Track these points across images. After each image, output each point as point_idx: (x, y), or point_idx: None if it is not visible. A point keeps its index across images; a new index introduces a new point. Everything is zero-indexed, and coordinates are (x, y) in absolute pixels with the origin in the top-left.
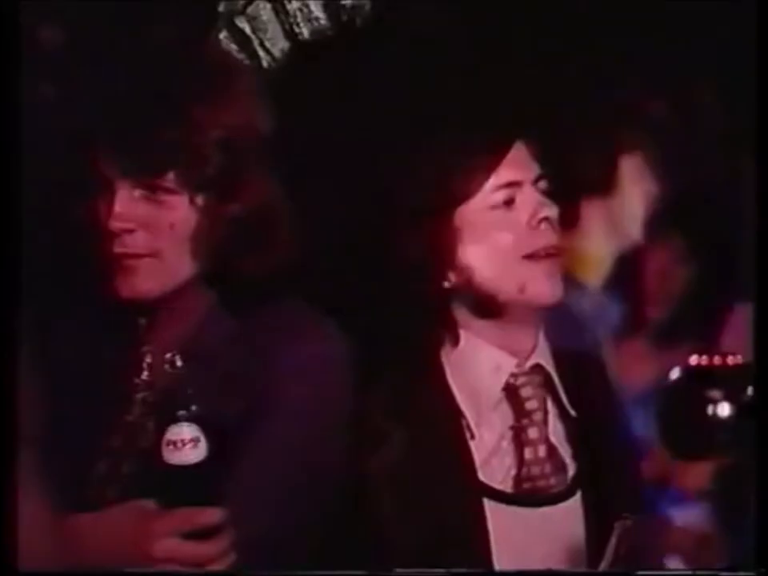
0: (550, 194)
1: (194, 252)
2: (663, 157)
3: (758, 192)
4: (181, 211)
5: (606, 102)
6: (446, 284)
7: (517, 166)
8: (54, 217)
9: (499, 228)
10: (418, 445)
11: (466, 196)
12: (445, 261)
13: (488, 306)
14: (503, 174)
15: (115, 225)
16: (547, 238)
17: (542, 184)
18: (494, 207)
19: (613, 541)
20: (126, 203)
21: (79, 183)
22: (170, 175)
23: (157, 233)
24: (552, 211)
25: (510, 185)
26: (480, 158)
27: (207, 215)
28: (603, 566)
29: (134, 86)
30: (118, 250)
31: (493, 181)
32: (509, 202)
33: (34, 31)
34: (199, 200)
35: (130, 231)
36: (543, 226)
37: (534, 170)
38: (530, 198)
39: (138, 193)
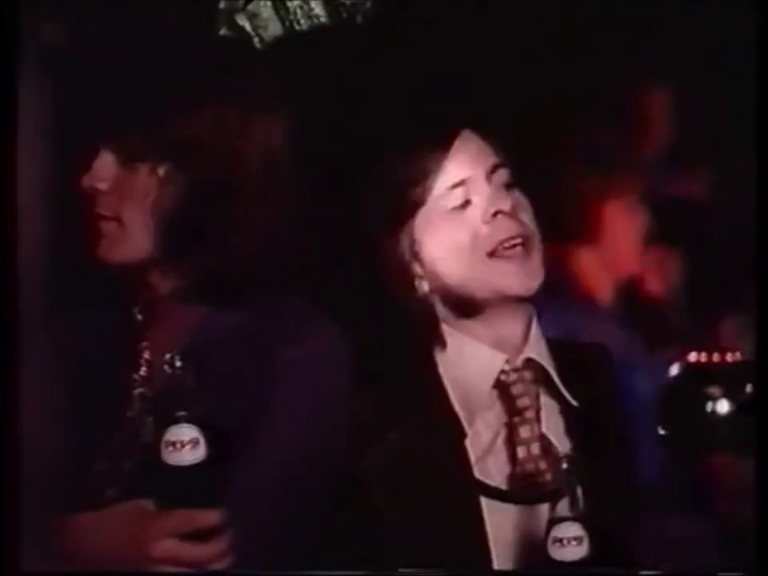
0: (513, 183)
1: (157, 223)
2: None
3: (758, 191)
4: (148, 180)
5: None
6: (423, 289)
7: (465, 162)
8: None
9: (458, 230)
10: (414, 444)
11: (417, 200)
12: (416, 267)
13: (468, 306)
14: (451, 172)
15: (89, 182)
16: (506, 230)
17: (501, 174)
18: (451, 210)
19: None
20: (104, 164)
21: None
22: (145, 143)
23: (124, 198)
24: (506, 203)
25: (462, 183)
26: (420, 156)
27: (171, 187)
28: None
29: (135, 83)
30: (91, 211)
31: (443, 181)
32: (466, 203)
33: (34, 31)
34: (164, 170)
35: (102, 192)
36: (500, 218)
37: (488, 161)
38: (481, 194)
39: (117, 157)
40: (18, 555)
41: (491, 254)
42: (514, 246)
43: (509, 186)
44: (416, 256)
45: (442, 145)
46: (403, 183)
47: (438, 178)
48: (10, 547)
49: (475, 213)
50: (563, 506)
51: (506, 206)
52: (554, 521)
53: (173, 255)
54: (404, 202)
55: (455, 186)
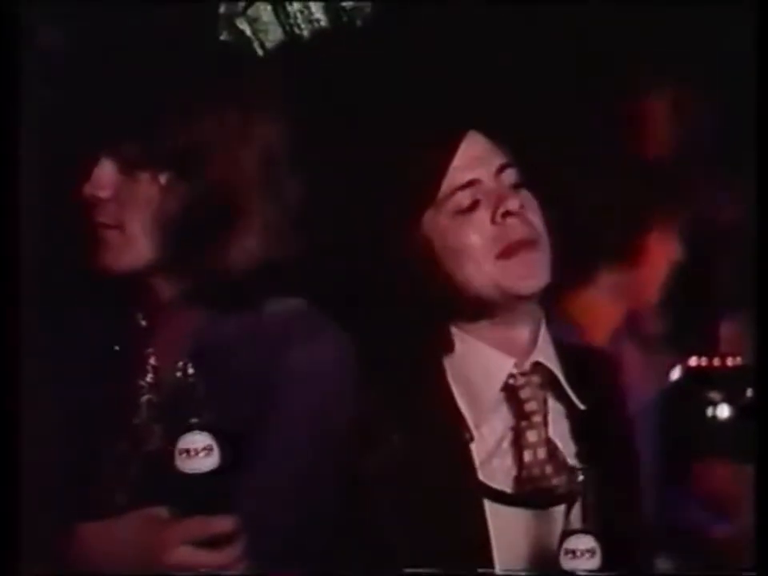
0: (521, 183)
1: (159, 230)
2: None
3: (757, 194)
4: (149, 188)
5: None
6: (431, 291)
7: (472, 163)
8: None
9: (466, 231)
10: (420, 446)
11: (425, 202)
12: (424, 269)
13: (476, 308)
14: (458, 174)
15: (90, 190)
16: (515, 231)
17: (509, 174)
18: (459, 212)
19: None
20: (105, 172)
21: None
22: (146, 151)
23: (125, 206)
24: (515, 204)
25: (469, 184)
26: (426, 158)
27: (172, 194)
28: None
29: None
30: (93, 219)
31: (449, 183)
32: (474, 204)
33: (34, 31)
34: (165, 177)
35: (104, 201)
36: (509, 220)
37: (495, 161)
38: (490, 195)
39: (117, 165)
40: (20, 562)
41: (500, 256)
42: (522, 246)
43: (517, 187)
44: (424, 258)
45: (447, 146)
46: (410, 185)
47: (445, 179)
48: (12, 553)
49: (484, 214)
50: (576, 518)
51: (514, 206)
52: (567, 533)
53: (175, 261)
54: (411, 204)
55: (463, 187)
